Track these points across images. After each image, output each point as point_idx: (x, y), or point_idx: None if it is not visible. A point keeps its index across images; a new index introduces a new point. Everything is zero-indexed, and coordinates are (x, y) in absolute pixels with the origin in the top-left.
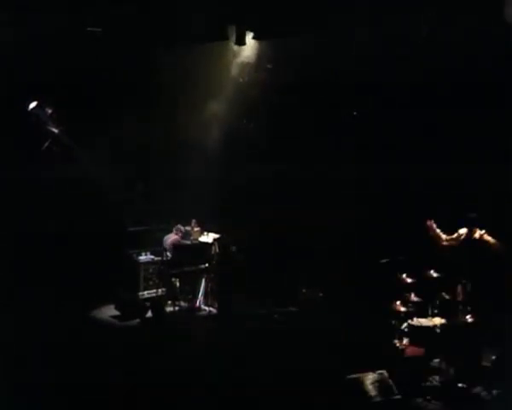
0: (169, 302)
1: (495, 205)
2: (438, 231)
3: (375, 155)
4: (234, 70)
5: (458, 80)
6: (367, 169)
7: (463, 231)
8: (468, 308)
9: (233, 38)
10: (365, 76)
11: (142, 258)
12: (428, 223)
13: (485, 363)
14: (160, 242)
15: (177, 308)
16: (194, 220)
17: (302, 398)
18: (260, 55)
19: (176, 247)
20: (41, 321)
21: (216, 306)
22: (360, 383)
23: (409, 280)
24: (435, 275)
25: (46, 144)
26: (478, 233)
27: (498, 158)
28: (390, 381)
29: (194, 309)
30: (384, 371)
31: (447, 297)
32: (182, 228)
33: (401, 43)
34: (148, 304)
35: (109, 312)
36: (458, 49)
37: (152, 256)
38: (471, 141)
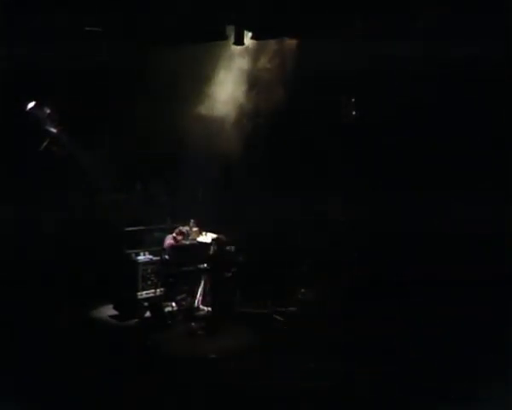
0: (167, 302)
1: None
2: None
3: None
4: (233, 70)
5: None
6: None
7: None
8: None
9: (232, 38)
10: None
11: (141, 258)
12: None
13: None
14: (159, 242)
15: (175, 308)
16: (192, 220)
17: (302, 398)
18: (259, 55)
19: (174, 247)
20: (40, 321)
21: (215, 306)
22: None
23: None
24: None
25: (45, 144)
26: None
27: None
28: None
29: (192, 309)
30: None
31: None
32: (183, 229)
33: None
34: (146, 304)
35: (108, 311)
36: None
37: (150, 256)
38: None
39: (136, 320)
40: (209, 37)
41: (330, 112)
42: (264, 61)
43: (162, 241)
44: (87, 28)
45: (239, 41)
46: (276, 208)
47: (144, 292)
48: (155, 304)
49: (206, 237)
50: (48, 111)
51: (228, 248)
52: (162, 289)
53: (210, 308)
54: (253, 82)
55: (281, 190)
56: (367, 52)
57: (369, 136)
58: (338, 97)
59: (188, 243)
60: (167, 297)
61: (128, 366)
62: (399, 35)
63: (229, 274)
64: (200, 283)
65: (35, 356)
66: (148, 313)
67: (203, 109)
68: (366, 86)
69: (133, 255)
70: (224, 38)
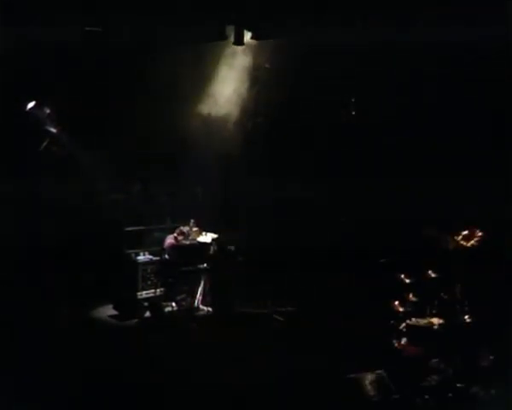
0: (167, 302)
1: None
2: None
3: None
4: (233, 70)
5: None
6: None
7: (465, 232)
8: (466, 308)
9: (231, 37)
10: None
11: (141, 258)
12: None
13: (483, 363)
14: (159, 242)
15: (175, 308)
16: (192, 220)
17: (302, 398)
18: (258, 55)
19: (174, 247)
20: (40, 321)
21: (214, 306)
22: (359, 383)
23: (407, 280)
24: (434, 275)
25: (44, 144)
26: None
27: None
28: (388, 381)
29: (192, 309)
30: (382, 371)
31: (445, 297)
32: (184, 230)
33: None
34: (146, 304)
35: (108, 311)
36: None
37: (150, 256)
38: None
39: (136, 320)
40: (209, 37)
41: (330, 111)
42: (264, 60)
43: (162, 241)
44: (87, 28)
45: (239, 41)
46: (275, 207)
47: (144, 292)
48: (155, 304)
49: (206, 237)
50: (48, 111)
51: (228, 248)
52: (162, 289)
53: (210, 308)
54: (254, 81)
55: (281, 189)
56: (367, 50)
57: (369, 134)
58: (338, 97)
59: (188, 243)
60: (167, 297)
61: (128, 367)
62: (399, 32)
63: (230, 274)
64: (200, 283)
65: (34, 356)
66: (148, 313)
67: (203, 109)
68: (366, 85)
69: (133, 255)
70: (224, 38)
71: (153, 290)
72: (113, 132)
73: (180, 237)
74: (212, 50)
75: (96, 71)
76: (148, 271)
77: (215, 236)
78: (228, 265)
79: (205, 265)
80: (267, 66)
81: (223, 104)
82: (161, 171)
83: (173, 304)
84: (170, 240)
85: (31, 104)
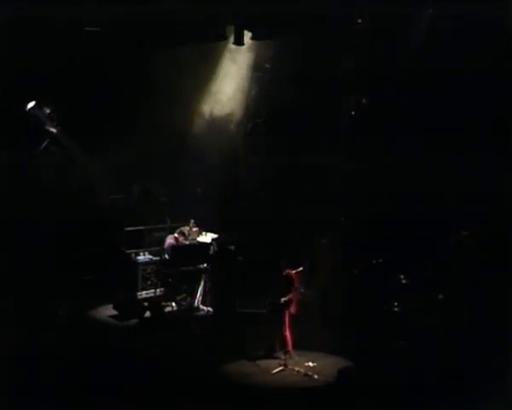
0: (167, 302)
1: None
2: None
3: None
4: (232, 70)
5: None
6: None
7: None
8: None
9: (231, 38)
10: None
11: (141, 258)
12: None
13: None
14: (159, 242)
15: (175, 308)
16: (192, 220)
17: (301, 398)
18: (259, 55)
19: (174, 247)
20: (39, 321)
21: (214, 305)
22: None
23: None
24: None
25: (44, 144)
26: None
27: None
28: None
29: (192, 309)
30: None
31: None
32: (185, 231)
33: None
34: (146, 304)
35: (107, 311)
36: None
37: (150, 256)
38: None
39: (136, 320)
40: (209, 37)
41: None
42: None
43: (162, 241)
44: (87, 29)
45: (239, 41)
46: (276, 207)
47: (144, 292)
48: (155, 304)
49: (206, 237)
50: (48, 111)
51: (228, 248)
52: (162, 289)
53: (210, 308)
54: (255, 80)
55: (281, 188)
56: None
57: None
58: (340, 96)
59: (188, 243)
60: (167, 297)
61: (127, 367)
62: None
63: (230, 274)
64: (200, 283)
65: (33, 356)
66: (148, 313)
67: (203, 108)
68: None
69: (133, 255)
70: (224, 38)
71: (153, 290)
72: (113, 132)
73: (180, 238)
74: (212, 50)
75: (96, 71)
76: (148, 271)
77: (215, 236)
78: (228, 265)
79: (205, 265)
80: (267, 65)
81: (223, 104)
82: (161, 171)
83: (173, 304)
84: (170, 240)
85: (31, 104)
